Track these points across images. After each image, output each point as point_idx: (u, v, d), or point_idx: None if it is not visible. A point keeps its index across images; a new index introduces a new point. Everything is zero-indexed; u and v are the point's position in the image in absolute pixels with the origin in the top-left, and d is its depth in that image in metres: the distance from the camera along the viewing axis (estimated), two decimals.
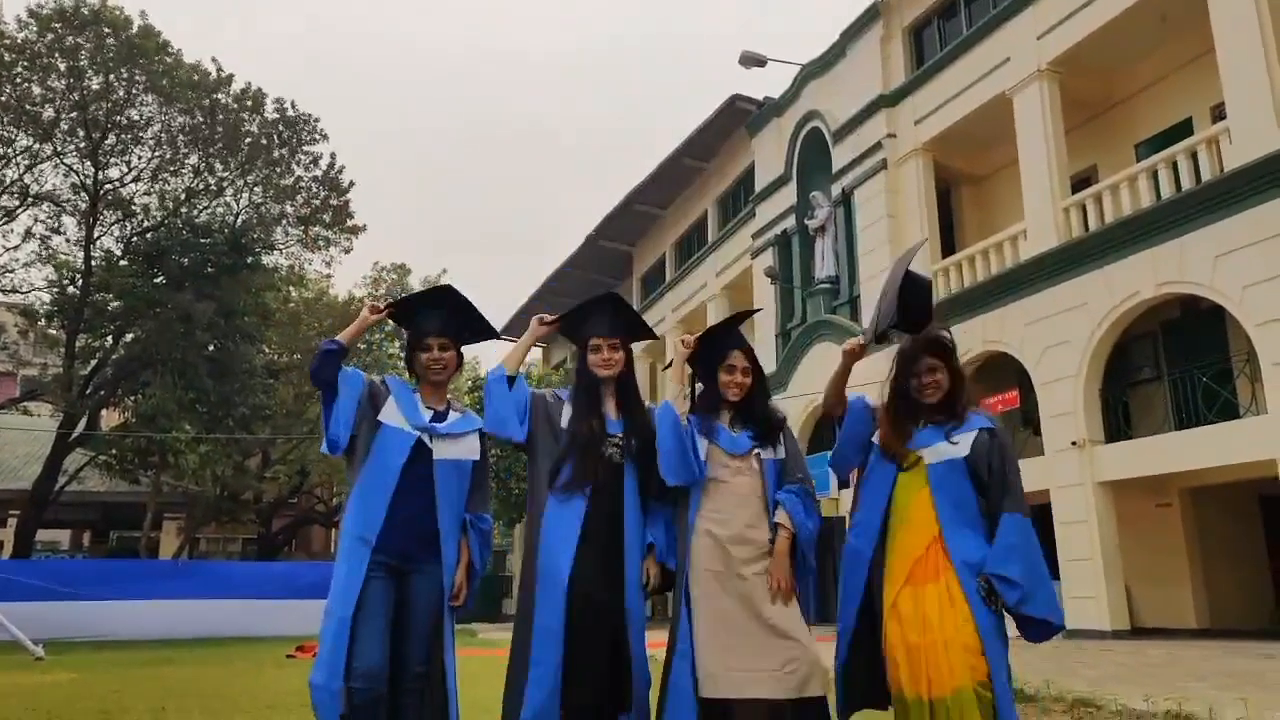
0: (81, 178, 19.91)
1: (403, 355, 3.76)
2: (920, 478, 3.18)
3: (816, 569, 3.36)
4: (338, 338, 3.35)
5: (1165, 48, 14.16)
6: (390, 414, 3.29)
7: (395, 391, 3.34)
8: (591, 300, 3.57)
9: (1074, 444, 13.26)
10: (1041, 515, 12.73)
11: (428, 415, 3.33)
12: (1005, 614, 3.04)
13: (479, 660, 8.21)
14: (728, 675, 3.03)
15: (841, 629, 3.24)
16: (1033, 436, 14.64)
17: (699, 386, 3.57)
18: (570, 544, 3.18)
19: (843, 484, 3.60)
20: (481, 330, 3.55)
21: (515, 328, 36.39)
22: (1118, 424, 13.96)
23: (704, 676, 3.05)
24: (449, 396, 3.50)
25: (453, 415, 3.40)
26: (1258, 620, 13.39)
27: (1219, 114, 12.68)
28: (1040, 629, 3.08)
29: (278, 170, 21.48)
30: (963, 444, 3.17)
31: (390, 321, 3.54)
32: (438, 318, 3.41)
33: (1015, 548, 3.03)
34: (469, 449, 3.39)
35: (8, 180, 19.48)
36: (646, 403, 3.56)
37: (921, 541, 3.10)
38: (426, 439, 3.28)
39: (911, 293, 3.33)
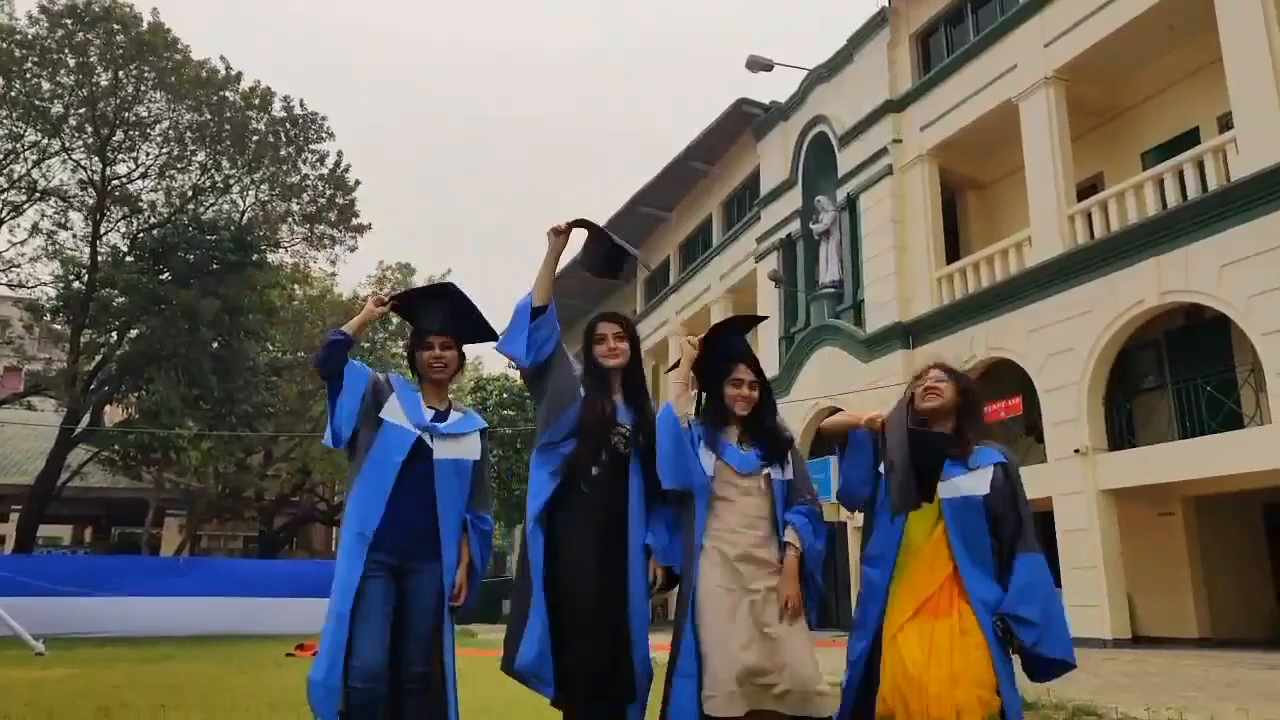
0: (89, 173, 19.96)
1: (406, 354, 3.76)
2: (934, 511, 3.09)
3: (822, 587, 3.32)
4: (343, 329, 3.37)
5: (1172, 56, 14.14)
6: (392, 411, 3.29)
7: (398, 389, 3.35)
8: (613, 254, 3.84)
9: (1077, 452, 13.24)
10: (1043, 523, 12.71)
11: (429, 415, 3.34)
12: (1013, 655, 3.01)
13: (479, 661, 8.21)
14: (732, 694, 2.97)
15: (854, 659, 3.14)
16: (1035, 444, 14.63)
17: (703, 395, 3.49)
18: (565, 524, 3.21)
19: (852, 510, 3.49)
20: (481, 330, 3.53)
21: None
22: (1121, 432, 13.94)
23: (709, 695, 2.98)
24: (450, 397, 3.50)
25: (454, 415, 3.40)
26: (1260, 630, 13.34)
27: (1226, 123, 12.66)
28: (1052, 668, 3.06)
29: (284, 168, 21.53)
30: (981, 481, 3.11)
31: (394, 318, 3.56)
32: (439, 315, 3.41)
33: (1033, 587, 3.00)
34: (469, 449, 3.38)
35: (16, 175, 19.54)
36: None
37: (934, 579, 3.04)
38: (427, 438, 3.28)
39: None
